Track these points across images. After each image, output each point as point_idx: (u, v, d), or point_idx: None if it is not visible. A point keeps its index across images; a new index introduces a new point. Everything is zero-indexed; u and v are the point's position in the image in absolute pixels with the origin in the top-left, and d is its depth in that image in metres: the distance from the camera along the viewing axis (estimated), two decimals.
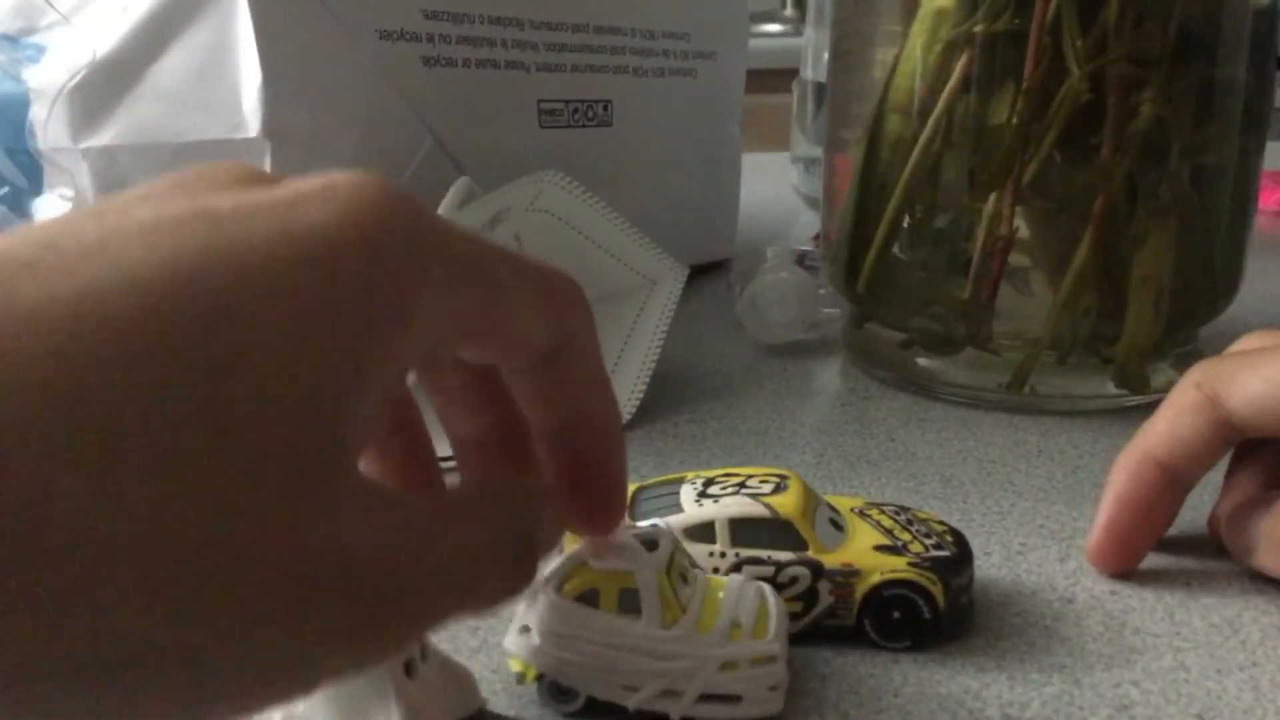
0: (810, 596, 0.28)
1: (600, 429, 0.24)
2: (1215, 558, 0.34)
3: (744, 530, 0.28)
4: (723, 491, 0.29)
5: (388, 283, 0.17)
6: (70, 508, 0.14)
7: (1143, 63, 0.41)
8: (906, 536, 0.29)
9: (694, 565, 0.27)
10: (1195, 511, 0.37)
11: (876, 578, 0.28)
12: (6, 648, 0.14)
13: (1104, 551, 0.33)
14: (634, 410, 0.44)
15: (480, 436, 0.24)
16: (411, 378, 0.23)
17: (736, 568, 0.28)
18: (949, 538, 0.30)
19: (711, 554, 0.28)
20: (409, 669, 0.22)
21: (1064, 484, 0.39)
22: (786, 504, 0.29)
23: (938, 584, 0.28)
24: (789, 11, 2.30)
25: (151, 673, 0.15)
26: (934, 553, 0.29)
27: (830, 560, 0.28)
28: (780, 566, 0.28)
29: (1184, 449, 0.32)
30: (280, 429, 0.16)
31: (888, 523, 0.30)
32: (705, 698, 0.25)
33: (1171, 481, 0.33)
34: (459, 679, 0.24)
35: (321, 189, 0.17)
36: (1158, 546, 0.34)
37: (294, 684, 0.17)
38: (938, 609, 0.28)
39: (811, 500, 0.29)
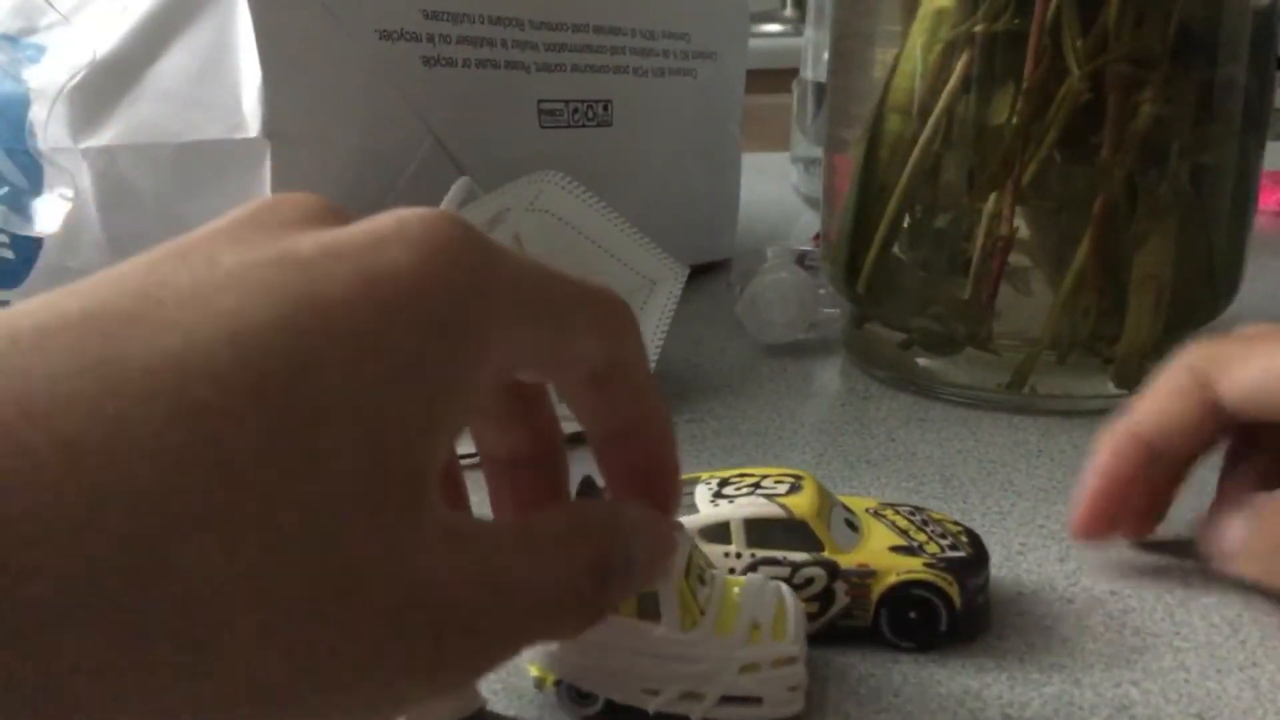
0: (826, 597, 0.28)
1: (654, 435, 0.25)
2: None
3: (759, 531, 0.28)
4: (737, 492, 0.29)
5: (464, 322, 0.18)
6: (197, 562, 0.15)
7: (1143, 63, 0.41)
8: (922, 537, 0.29)
9: (710, 566, 0.27)
10: (1195, 512, 0.37)
11: (893, 578, 0.28)
12: (146, 688, 0.15)
13: (1081, 521, 0.33)
14: None
15: (511, 453, 0.25)
16: None
17: (752, 568, 0.28)
18: (964, 538, 0.30)
19: (727, 554, 0.28)
20: None
21: (1064, 484, 0.39)
22: (802, 504, 0.29)
23: (954, 585, 0.28)
24: (789, 11, 2.30)
25: (262, 712, 0.16)
26: (950, 554, 0.29)
27: (846, 561, 0.28)
28: (796, 567, 0.28)
29: (1170, 428, 0.32)
30: (374, 470, 0.16)
31: (903, 523, 0.30)
32: (726, 700, 0.25)
33: (1156, 458, 0.32)
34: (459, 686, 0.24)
35: (397, 229, 0.18)
36: (1157, 547, 0.34)
37: (377, 714, 0.18)
38: (954, 610, 0.28)
39: (826, 501, 0.29)
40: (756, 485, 0.30)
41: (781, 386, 0.50)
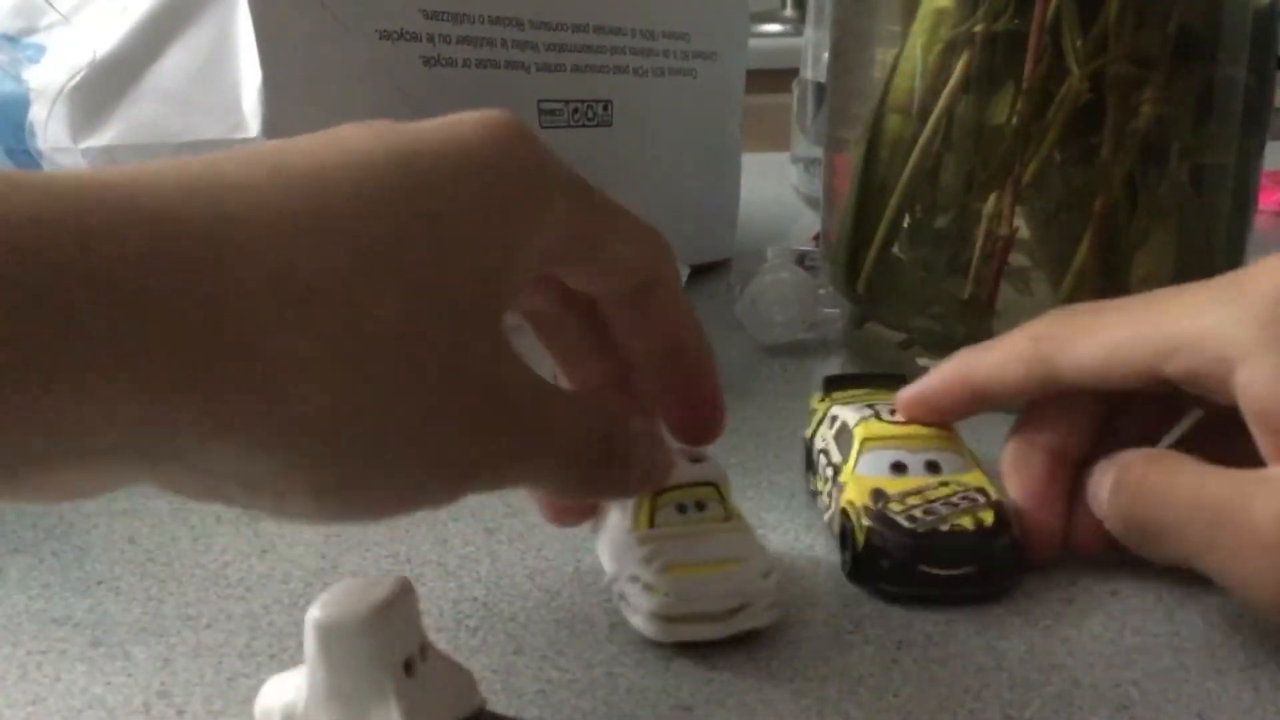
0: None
1: (694, 356, 0.29)
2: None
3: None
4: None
5: (530, 185, 0.24)
6: (340, 283, 0.20)
7: (1143, 62, 0.41)
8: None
9: (732, 516, 0.31)
10: None
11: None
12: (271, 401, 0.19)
13: (907, 398, 0.35)
14: None
15: (596, 380, 0.30)
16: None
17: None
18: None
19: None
20: (409, 668, 0.22)
21: None
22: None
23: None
24: (789, 11, 2.30)
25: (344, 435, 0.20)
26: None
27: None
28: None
29: (1002, 388, 0.34)
30: (471, 273, 0.22)
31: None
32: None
33: (979, 401, 0.34)
34: (459, 679, 0.24)
35: (476, 117, 0.24)
36: None
37: (442, 486, 0.23)
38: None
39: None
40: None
41: (781, 386, 0.50)
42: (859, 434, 0.34)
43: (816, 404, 0.39)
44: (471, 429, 0.22)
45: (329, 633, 0.21)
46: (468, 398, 0.22)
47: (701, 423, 0.30)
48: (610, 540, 0.31)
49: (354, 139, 0.22)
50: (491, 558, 0.34)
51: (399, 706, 0.22)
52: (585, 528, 0.35)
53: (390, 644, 0.22)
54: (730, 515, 0.30)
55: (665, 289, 0.28)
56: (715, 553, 0.29)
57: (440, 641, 0.29)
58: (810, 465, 0.37)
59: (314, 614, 0.21)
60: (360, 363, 0.20)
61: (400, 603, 0.22)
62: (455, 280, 0.22)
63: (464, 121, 0.24)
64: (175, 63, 0.43)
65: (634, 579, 0.29)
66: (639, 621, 0.29)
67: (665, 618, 0.28)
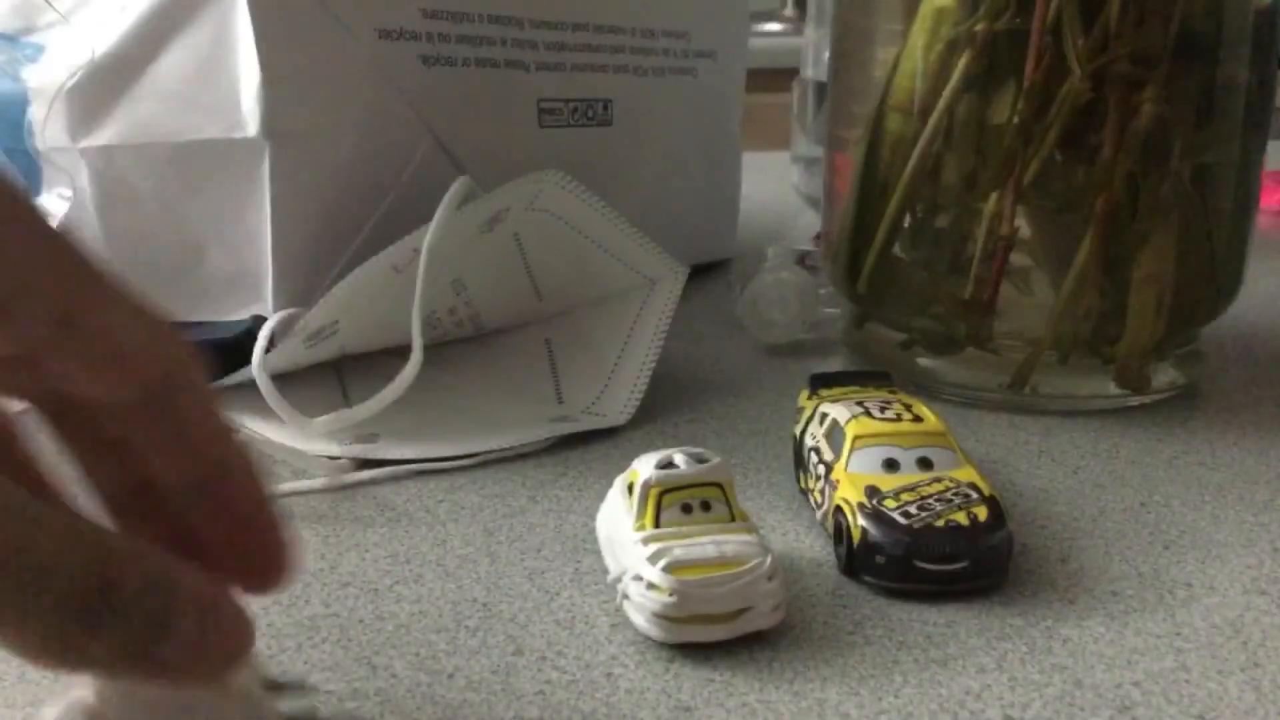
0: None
1: (241, 483, 0.21)
2: (1217, 558, 0.34)
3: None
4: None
5: None
6: None
7: (1144, 62, 0.41)
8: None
9: (737, 517, 0.30)
10: (1196, 511, 0.37)
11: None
12: None
13: None
14: (634, 410, 0.44)
15: (122, 490, 0.22)
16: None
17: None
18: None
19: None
20: None
21: (1064, 484, 0.39)
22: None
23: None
24: (789, 11, 2.30)
25: None
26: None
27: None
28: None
29: None
30: None
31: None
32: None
33: None
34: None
35: None
36: (1161, 545, 0.34)
37: None
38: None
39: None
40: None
41: (781, 386, 0.50)
42: (850, 431, 0.34)
43: (804, 402, 0.39)
44: None
45: None
46: None
47: (258, 568, 0.22)
48: (613, 539, 0.31)
49: None
50: (491, 558, 0.34)
51: (224, 688, 0.21)
52: (586, 527, 0.35)
53: None
54: (736, 516, 0.30)
55: (190, 398, 0.20)
56: (721, 553, 0.29)
57: (440, 642, 0.29)
58: (800, 463, 0.38)
59: None
60: None
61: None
62: None
63: None
64: (174, 62, 0.43)
65: (638, 579, 0.28)
66: (642, 622, 0.28)
67: (669, 618, 0.28)
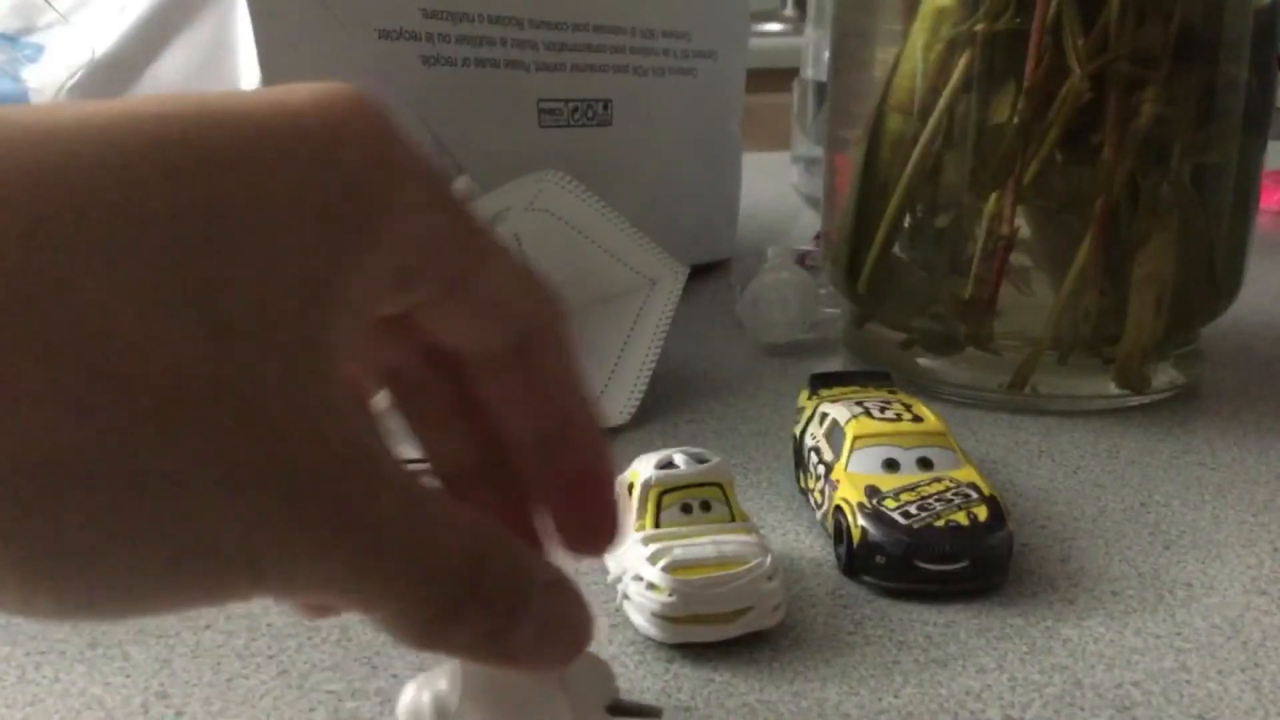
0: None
1: (584, 437, 0.22)
2: (1217, 558, 0.34)
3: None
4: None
5: (375, 171, 0.18)
6: (92, 294, 0.14)
7: (1144, 62, 0.41)
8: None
9: (737, 517, 0.30)
10: (1196, 511, 0.37)
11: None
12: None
13: None
14: (634, 410, 0.44)
15: (456, 463, 0.23)
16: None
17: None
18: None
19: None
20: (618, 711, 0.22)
21: (1064, 484, 0.39)
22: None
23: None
24: (789, 11, 2.30)
25: (102, 484, 0.14)
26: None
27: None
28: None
29: None
30: (277, 285, 0.16)
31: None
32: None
33: None
34: (599, 667, 0.24)
35: (312, 86, 0.18)
36: (1161, 545, 0.34)
37: (230, 566, 0.16)
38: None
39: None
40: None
41: (781, 386, 0.50)
42: (850, 431, 0.34)
43: (804, 402, 0.39)
44: (257, 509, 0.15)
45: None
46: (261, 462, 0.15)
47: (589, 527, 0.22)
48: None
49: (146, 101, 0.16)
50: None
51: (564, 697, 0.21)
52: None
53: (592, 688, 0.22)
54: (736, 516, 0.30)
55: (552, 350, 0.21)
56: (721, 553, 0.29)
57: None
58: (800, 463, 0.38)
59: None
60: (92, 394, 0.14)
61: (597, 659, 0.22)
62: (247, 294, 0.16)
63: (295, 90, 0.18)
64: (174, 62, 0.43)
65: (638, 579, 0.28)
66: (643, 622, 0.28)
67: (670, 619, 0.28)
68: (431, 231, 0.19)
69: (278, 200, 0.16)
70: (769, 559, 0.29)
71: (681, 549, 0.29)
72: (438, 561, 0.18)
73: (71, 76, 0.44)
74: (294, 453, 0.16)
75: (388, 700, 0.26)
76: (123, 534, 0.15)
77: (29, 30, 0.47)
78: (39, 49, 0.46)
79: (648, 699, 0.27)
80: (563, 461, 0.22)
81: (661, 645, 0.29)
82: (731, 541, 0.29)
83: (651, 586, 0.28)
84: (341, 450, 0.16)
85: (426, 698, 0.22)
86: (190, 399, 0.15)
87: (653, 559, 0.28)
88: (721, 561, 0.28)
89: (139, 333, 0.15)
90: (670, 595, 0.28)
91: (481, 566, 0.18)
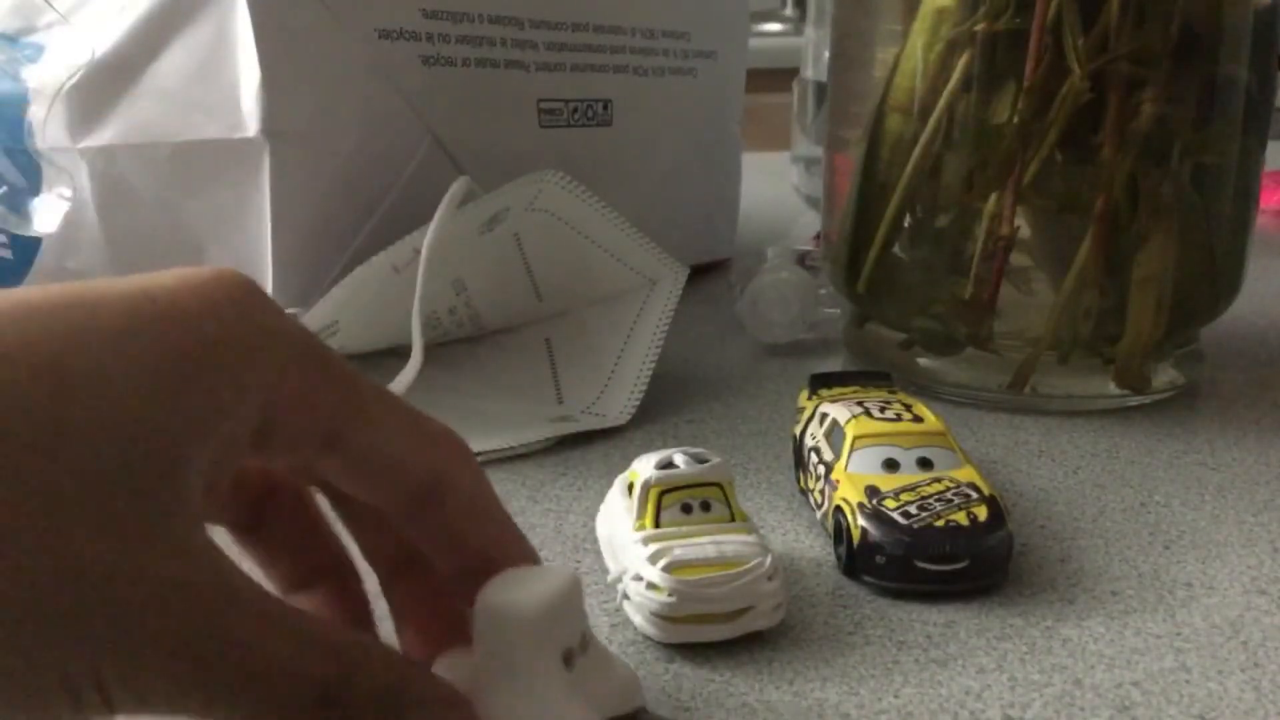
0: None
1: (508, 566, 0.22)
2: (1217, 558, 0.34)
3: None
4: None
5: (230, 335, 0.19)
6: None
7: (1144, 62, 0.41)
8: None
9: (737, 517, 0.30)
10: (1196, 511, 0.37)
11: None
12: None
13: None
14: (634, 410, 0.44)
15: (396, 560, 0.24)
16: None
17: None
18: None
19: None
20: (568, 660, 0.22)
21: (1065, 484, 0.39)
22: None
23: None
24: (789, 11, 2.30)
25: None
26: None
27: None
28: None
29: None
30: (115, 465, 0.17)
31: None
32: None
33: None
34: (619, 676, 0.24)
35: (190, 270, 0.20)
36: (1161, 545, 0.34)
37: (42, 691, 0.16)
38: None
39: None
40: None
41: (781, 386, 0.50)
42: (850, 431, 0.34)
43: (804, 402, 0.39)
44: (77, 632, 0.16)
45: (492, 619, 0.21)
46: (82, 598, 0.16)
47: None
48: (613, 538, 0.31)
49: (28, 293, 0.18)
50: None
51: (551, 696, 0.21)
52: (586, 527, 0.35)
53: (549, 635, 0.22)
54: (736, 516, 0.30)
55: (455, 496, 0.22)
56: (721, 553, 0.29)
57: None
58: (799, 463, 0.38)
59: (482, 598, 0.21)
60: None
61: (564, 596, 0.22)
62: (82, 469, 0.17)
63: (171, 274, 0.19)
64: (174, 62, 0.43)
65: (638, 578, 0.28)
66: (642, 621, 0.28)
67: (669, 618, 0.28)
68: (300, 391, 0.20)
69: (124, 382, 0.17)
70: (769, 559, 0.29)
71: (681, 549, 0.29)
72: (287, 681, 0.18)
73: (71, 76, 0.44)
74: (121, 590, 0.17)
75: None
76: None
77: (29, 30, 0.47)
78: (39, 49, 0.46)
79: (648, 699, 0.27)
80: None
81: (661, 645, 0.29)
82: (731, 541, 0.29)
83: (651, 586, 0.28)
84: (181, 583, 0.17)
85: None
86: (8, 551, 0.16)
87: (653, 559, 0.28)
88: (721, 561, 0.28)
89: None
90: (670, 595, 0.28)
91: (343, 684, 0.19)
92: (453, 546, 0.22)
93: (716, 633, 0.28)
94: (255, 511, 0.23)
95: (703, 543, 0.29)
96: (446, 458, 0.22)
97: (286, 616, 0.19)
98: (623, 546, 0.30)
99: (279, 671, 0.18)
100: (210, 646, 0.17)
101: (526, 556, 0.23)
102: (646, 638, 0.29)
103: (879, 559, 0.31)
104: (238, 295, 0.19)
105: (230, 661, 0.17)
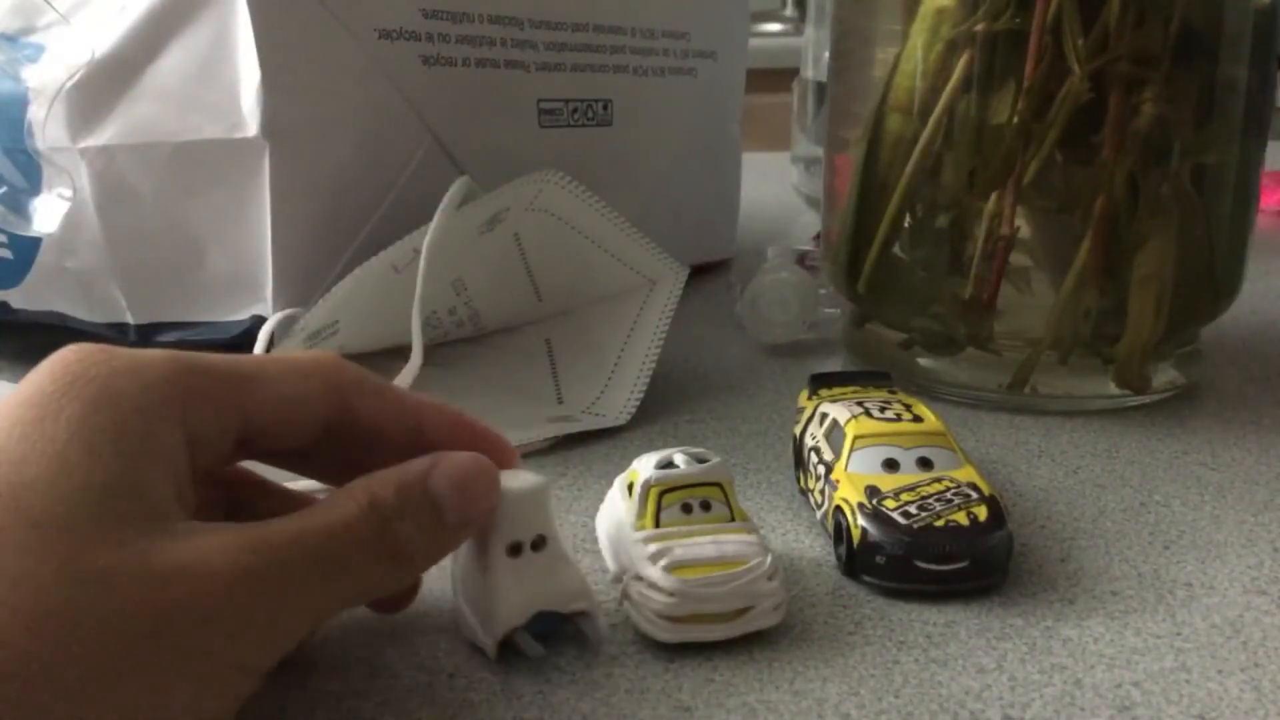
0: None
1: (441, 423, 0.27)
2: (1217, 558, 0.34)
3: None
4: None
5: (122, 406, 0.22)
6: None
7: (1144, 62, 0.41)
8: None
9: (737, 516, 0.30)
10: (1196, 511, 0.37)
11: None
12: None
13: None
14: (634, 410, 0.44)
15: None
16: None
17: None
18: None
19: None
20: (514, 551, 0.27)
21: (1064, 484, 0.39)
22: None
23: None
24: (789, 11, 2.30)
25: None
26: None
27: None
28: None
29: None
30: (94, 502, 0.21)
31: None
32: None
33: None
34: (565, 576, 0.28)
35: (45, 364, 0.23)
36: (1161, 545, 0.34)
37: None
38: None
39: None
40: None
41: (781, 386, 0.50)
42: (850, 431, 0.34)
43: (804, 402, 0.39)
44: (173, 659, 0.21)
45: None
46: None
47: (496, 455, 0.27)
48: (613, 538, 0.31)
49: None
50: None
51: (487, 580, 0.27)
52: (586, 527, 0.35)
53: (497, 524, 0.26)
54: (736, 516, 0.30)
55: (364, 400, 0.26)
56: (721, 553, 0.29)
57: (440, 641, 0.29)
58: (799, 463, 0.38)
59: None
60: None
61: (519, 496, 0.27)
62: (54, 495, 0.21)
63: (28, 380, 0.23)
64: (174, 62, 0.43)
65: (639, 578, 0.28)
66: (643, 621, 0.28)
67: (670, 618, 0.28)
68: (200, 402, 0.24)
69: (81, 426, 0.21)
70: (769, 558, 0.29)
71: (682, 548, 0.29)
72: (345, 529, 0.23)
73: (71, 76, 0.44)
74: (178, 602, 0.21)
75: (388, 700, 0.26)
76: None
77: (29, 30, 0.47)
78: (39, 49, 0.46)
79: (647, 699, 0.27)
80: (436, 444, 0.26)
81: (661, 645, 0.28)
82: (732, 541, 0.29)
83: (652, 586, 0.28)
84: (212, 565, 0.21)
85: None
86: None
87: (653, 558, 0.28)
88: (722, 561, 0.28)
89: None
90: (671, 595, 0.28)
91: (374, 505, 0.24)
92: (383, 440, 0.26)
93: (717, 632, 0.28)
94: (234, 495, 0.28)
95: (703, 542, 0.29)
96: (340, 381, 0.26)
97: (299, 506, 0.24)
98: (623, 546, 0.30)
99: (324, 533, 0.23)
100: (251, 593, 0.21)
101: (436, 410, 0.27)
102: (646, 637, 0.29)
103: (879, 559, 0.31)
104: (91, 366, 0.22)
105: (280, 569, 0.22)
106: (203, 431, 0.24)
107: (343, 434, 0.26)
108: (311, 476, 0.29)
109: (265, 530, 0.22)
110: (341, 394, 0.26)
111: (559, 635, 0.28)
